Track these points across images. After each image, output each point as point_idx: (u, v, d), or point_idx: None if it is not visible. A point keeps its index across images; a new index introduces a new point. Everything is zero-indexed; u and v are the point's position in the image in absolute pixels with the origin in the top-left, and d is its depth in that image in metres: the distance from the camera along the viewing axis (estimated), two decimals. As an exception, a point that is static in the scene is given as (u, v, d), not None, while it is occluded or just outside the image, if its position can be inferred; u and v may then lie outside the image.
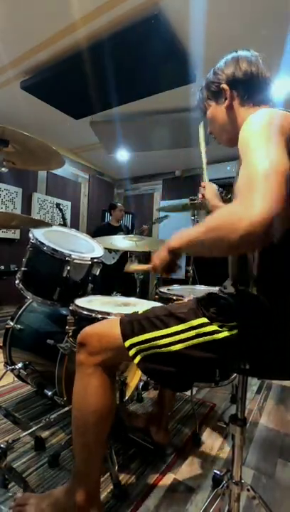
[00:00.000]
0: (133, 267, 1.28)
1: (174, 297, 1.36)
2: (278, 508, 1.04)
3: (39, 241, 1.34)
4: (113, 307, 1.16)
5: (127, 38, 1.94)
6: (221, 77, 0.84)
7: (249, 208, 0.52)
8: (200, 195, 1.28)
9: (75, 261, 1.35)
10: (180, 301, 1.02)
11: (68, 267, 1.33)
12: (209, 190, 1.24)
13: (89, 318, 1.03)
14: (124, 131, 3.24)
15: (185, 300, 0.97)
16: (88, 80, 2.33)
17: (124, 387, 1.17)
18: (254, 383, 2.06)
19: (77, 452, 0.86)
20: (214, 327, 0.70)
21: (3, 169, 1.07)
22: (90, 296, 1.38)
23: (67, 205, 4.40)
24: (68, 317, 1.12)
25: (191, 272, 2.72)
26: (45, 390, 1.35)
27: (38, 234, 1.39)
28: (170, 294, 1.40)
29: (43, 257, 1.36)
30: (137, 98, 2.62)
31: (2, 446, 1.14)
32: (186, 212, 2.00)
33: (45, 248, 1.34)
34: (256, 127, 0.64)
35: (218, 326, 0.70)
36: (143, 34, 1.89)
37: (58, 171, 4.25)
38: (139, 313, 0.83)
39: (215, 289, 0.88)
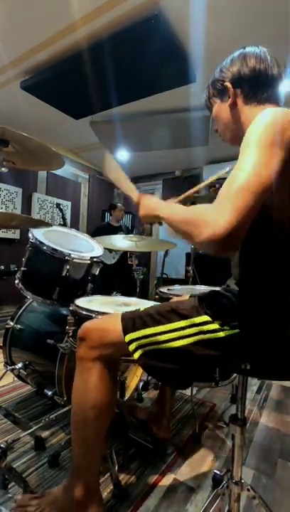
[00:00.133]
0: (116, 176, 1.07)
1: (174, 297, 1.36)
2: (278, 508, 1.04)
3: (39, 241, 1.34)
4: (113, 307, 1.16)
5: (127, 38, 1.94)
6: (225, 75, 0.83)
7: (218, 217, 0.58)
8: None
9: (75, 260, 1.35)
10: (180, 298, 1.02)
11: (68, 267, 1.33)
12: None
13: (89, 319, 1.03)
14: (124, 131, 3.24)
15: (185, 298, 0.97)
16: (88, 79, 2.33)
17: (124, 388, 1.17)
18: (254, 383, 2.06)
19: (75, 447, 0.86)
20: (216, 325, 0.70)
21: (3, 169, 1.07)
22: (90, 296, 1.38)
23: (67, 205, 4.40)
24: (68, 317, 1.12)
25: (191, 271, 2.72)
26: (45, 390, 1.35)
27: (37, 234, 1.39)
28: (170, 294, 1.40)
29: (42, 257, 1.36)
30: (137, 98, 2.62)
31: (2, 446, 1.14)
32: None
33: (44, 248, 1.34)
34: (255, 134, 0.63)
35: (219, 325, 0.70)
36: (143, 34, 1.89)
37: (58, 171, 4.26)
38: (141, 309, 0.83)
39: (217, 289, 0.88)
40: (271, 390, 1.98)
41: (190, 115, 2.81)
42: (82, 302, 1.16)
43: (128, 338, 0.77)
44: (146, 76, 2.31)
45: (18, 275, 1.42)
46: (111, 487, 1.07)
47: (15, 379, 1.66)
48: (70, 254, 1.34)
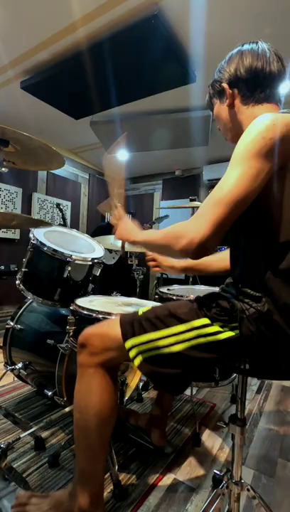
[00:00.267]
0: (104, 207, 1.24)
1: (174, 297, 1.36)
2: (278, 508, 1.04)
3: (40, 241, 1.34)
4: (113, 307, 1.16)
5: (127, 38, 1.93)
6: (223, 76, 0.83)
7: (194, 229, 0.65)
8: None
9: (76, 261, 1.35)
10: (179, 300, 1.02)
11: (69, 268, 1.33)
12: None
13: (89, 318, 1.03)
14: (124, 131, 3.24)
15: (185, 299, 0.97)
16: (88, 79, 2.32)
17: (124, 388, 1.17)
18: (254, 383, 2.06)
19: (79, 454, 0.85)
20: (216, 328, 0.70)
21: (3, 169, 1.07)
22: (91, 296, 1.38)
23: (67, 205, 4.40)
24: (69, 317, 1.12)
25: (191, 272, 2.71)
26: (45, 390, 1.35)
27: (38, 234, 1.39)
28: (170, 294, 1.40)
29: (43, 258, 1.36)
30: (137, 98, 2.62)
31: (2, 446, 1.14)
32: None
33: (45, 249, 1.34)
34: (242, 146, 0.66)
35: (220, 327, 0.70)
36: (143, 34, 1.89)
37: (58, 171, 4.25)
38: (139, 313, 0.82)
39: (216, 289, 0.88)
40: (271, 390, 1.98)
41: (190, 115, 2.81)
42: (82, 302, 1.16)
43: (128, 344, 0.76)
44: (146, 76, 2.31)
45: (19, 276, 1.42)
46: (111, 487, 1.07)
47: (16, 379, 1.66)
48: (71, 255, 1.34)
